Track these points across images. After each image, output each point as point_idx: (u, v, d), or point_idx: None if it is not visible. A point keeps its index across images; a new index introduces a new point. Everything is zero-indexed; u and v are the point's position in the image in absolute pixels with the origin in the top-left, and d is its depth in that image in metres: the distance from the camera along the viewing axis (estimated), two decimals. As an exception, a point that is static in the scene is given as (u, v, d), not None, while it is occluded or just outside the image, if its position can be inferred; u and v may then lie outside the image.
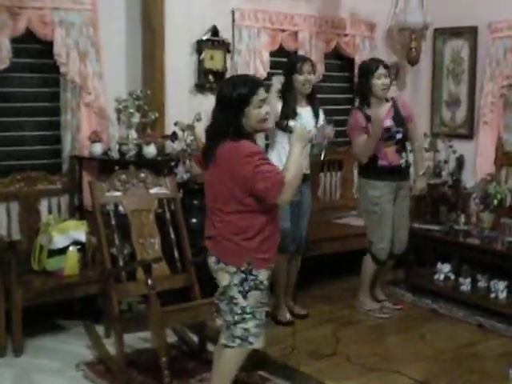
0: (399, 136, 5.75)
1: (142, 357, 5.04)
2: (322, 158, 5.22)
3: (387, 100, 5.85)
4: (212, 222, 3.76)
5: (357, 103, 5.99)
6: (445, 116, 7.97)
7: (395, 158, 5.77)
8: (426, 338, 5.50)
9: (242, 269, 3.63)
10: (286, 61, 6.26)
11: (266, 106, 3.67)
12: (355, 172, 6.68)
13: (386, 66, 5.80)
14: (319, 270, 6.66)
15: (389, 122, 5.74)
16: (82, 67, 5.98)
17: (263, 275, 3.69)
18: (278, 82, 5.57)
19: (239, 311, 3.67)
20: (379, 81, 5.70)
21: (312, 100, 5.71)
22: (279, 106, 5.52)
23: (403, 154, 5.81)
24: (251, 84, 3.65)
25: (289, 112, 5.42)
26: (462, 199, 7.09)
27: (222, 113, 3.62)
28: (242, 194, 3.56)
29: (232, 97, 3.57)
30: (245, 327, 3.68)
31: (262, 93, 3.63)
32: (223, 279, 3.71)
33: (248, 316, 3.67)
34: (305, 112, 5.59)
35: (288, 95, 5.54)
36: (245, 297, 3.65)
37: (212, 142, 3.68)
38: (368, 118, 5.68)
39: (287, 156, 3.68)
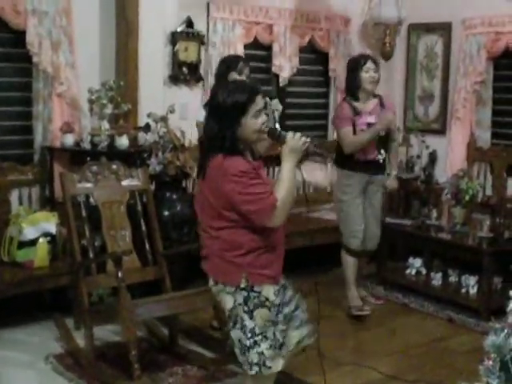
0: (382, 133, 5.76)
1: (111, 350, 4.99)
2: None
3: (375, 95, 5.87)
4: (203, 240, 3.51)
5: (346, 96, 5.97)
6: (418, 111, 8.01)
7: (373, 152, 5.77)
8: (396, 332, 5.52)
9: (242, 286, 3.33)
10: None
11: (263, 116, 3.34)
12: (329, 165, 6.67)
13: (374, 61, 5.85)
14: (290, 264, 6.65)
15: (373, 119, 5.75)
16: (55, 57, 5.92)
17: (267, 291, 3.37)
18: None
19: (249, 334, 3.35)
20: (367, 74, 5.73)
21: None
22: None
23: (381, 151, 5.82)
24: (249, 91, 3.32)
25: None
26: (434, 194, 7.12)
27: (216, 123, 3.29)
28: (228, 212, 3.27)
29: (227, 105, 3.25)
30: (259, 351, 3.35)
31: (259, 101, 3.31)
32: (226, 302, 3.41)
33: (258, 338, 3.34)
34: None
35: None
36: (251, 317, 3.34)
37: (204, 155, 3.38)
38: (355, 111, 5.71)
39: (279, 172, 3.37)
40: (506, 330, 2.44)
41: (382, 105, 5.87)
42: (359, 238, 5.87)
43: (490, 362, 2.42)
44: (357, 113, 5.71)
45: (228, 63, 5.42)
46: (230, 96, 3.28)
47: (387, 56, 7.81)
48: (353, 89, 5.81)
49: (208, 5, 6.70)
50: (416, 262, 6.59)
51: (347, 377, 4.71)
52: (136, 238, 5.13)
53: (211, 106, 3.40)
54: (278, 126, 5.02)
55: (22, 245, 5.32)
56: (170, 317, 4.98)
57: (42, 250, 5.34)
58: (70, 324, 5.30)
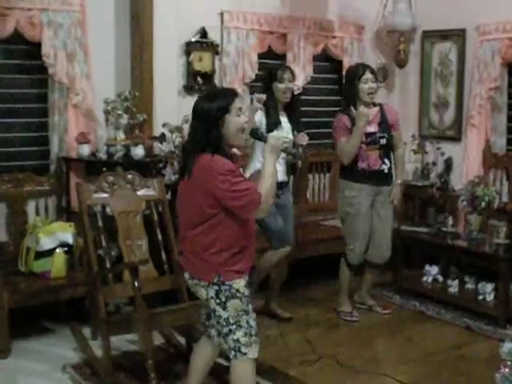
0: (383, 141, 5.73)
1: (128, 359, 5.01)
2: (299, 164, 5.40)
3: (374, 105, 5.84)
4: (182, 236, 3.76)
5: (342, 108, 5.94)
6: (433, 118, 7.99)
7: (377, 162, 5.74)
8: (413, 340, 5.51)
9: (214, 281, 3.60)
10: (264, 71, 6.14)
11: (244, 116, 3.67)
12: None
13: (372, 71, 5.80)
14: (306, 272, 6.67)
15: (374, 128, 5.73)
16: (70, 68, 5.97)
17: (237, 284, 3.63)
18: (258, 101, 5.46)
19: (224, 323, 3.65)
20: (366, 85, 5.69)
21: (290, 108, 5.67)
22: (261, 116, 5.47)
23: (386, 160, 5.77)
24: (228, 94, 3.66)
25: (272, 123, 5.43)
26: (450, 201, 7.10)
27: (202, 125, 3.54)
28: (210, 209, 3.53)
29: (212, 108, 3.53)
30: (234, 338, 3.65)
31: (238, 102, 3.62)
32: (201, 294, 3.72)
33: (233, 327, 3.64)
34: (283, 121, 5.57)
35: (269, 105, 5.49)
36: (224, 308, 3.62)
37: (189, 155, 3.60)
38: (353, 121, 5.66)
39: (261, 169, 3.68)
40: (522, 337, 2.43)
41: (382, 112, 5.85)
42: (358, 254, 5.88)
43: (507, 370, 2.42)
44: (354, 124, 5.66)
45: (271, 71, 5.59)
46: (213, 100, 3.57)
47: (402, 63, 7.82)
48: (351, 99, 5.78)
49: (222, 14, 6.72)
50: (432, 270, 6.57)
51: (363, 384, 4.71)
52: (152, 248, 5.15)
53: (196, 112, 3.61)
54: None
55: (39, 255, 5.34)
56: (187, 326, 4.98)
57: (59, 260, 5.36)
58: (87, 334, 5.33)
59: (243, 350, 3.65)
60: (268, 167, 3.62)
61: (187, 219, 3.67)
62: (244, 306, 3.65)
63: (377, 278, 6.30)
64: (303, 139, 5.46)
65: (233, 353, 3.67)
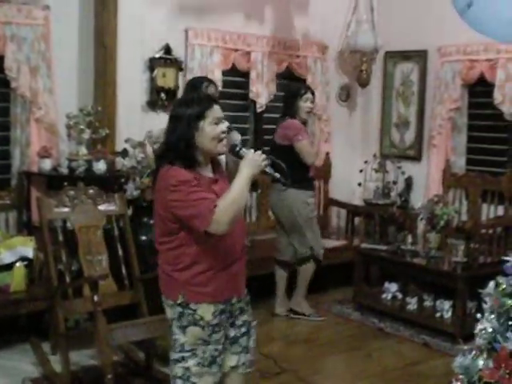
0: None
1: (87, 374, 4.98)
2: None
3: (305, 124, 6.29)
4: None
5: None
6: (394, 138, 8.10)
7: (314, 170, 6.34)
8: (372, 356, 5.56)
9: (178, 302, 3.33)
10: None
11: (222, 126, 3.36)
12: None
13: (312, 93, 6.25)
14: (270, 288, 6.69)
15: None
16: (33, 82, 5.97)
17: (204, 311, 3.32)
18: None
19: (178, 349, 3.35)
20: (305, 104, 6.11)
21: None
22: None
23: None
24: (206, 99, 3.44)
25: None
26: (409, 220, 7.18)
27: (174, 130, 3.33)
28: (171, 223, 3.29)
29: (186, 112, 3.31)
30: (185, 366, 3.34)
31: (217, 109, 3.37)
32: (167, 313, 3.45)
33: (187, 354, 3.33)
34: None
35: None
36: (183, 332, 3.33)
37: (156, 164, 3.49)
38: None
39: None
40: (473, 352, 2.47)
41: None
42: (322, 248, 6.34)
43: (458, 383, 2.46)
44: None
45: (195, 84, 5.53)
46: (188, 104, 3.36)
47: (364, 83, 7.91)
48: (290, 114, 6.16)
49: (186, 31, 6.76)
50: (392, 287, 6.63)
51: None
52: (113, 263, 5.14)
53: (172, 115, 3.41)
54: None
55: (-1, 269, 5.31)
56: (147, 341, 4.97)
57: (19, 274, 5.32)
58: (47, 348, 5.29)
59: (193, 379, 3.34)
60: (237, 181, 3.26)
61: (156, 232, 3.46)
62: (205, 335, 3.33)
63: None
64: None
65: (180, 382, 3.36)
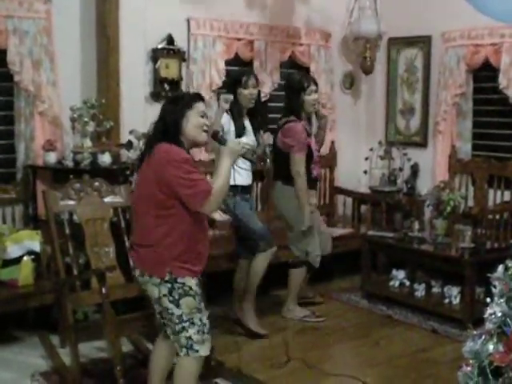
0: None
1: (97, 366, 4.99)
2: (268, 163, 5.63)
3: (316, 115, 6.09)
4: (134, 228, 3.84)
5: (285, 116, 5.97)
6: (399, 124, 8.08)
7: (318, 170, 6.17)
8: (380, 343, 5.56)
9: (166, 279, 3.64)
10: (229, 77, 6.38)
11: (206, 121, 3.78)
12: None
13: (315, 83, 5.97)
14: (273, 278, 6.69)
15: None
16: (36, 76, 5.96)
17: (190, 282, 3.68)
18: (225, 101, 5.50)
19: (177, 321, 3.68)
20: (310, 97, 5.84)
21: (253, 114, 5.74)
22: (228, 122, 5.54)
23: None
24: (194, 96, 3.88)
25: (240, 129, 5.53)
26: (416, 206, 7.17)
27: (165, 114, 3.74)
28: (165, 197, 3.60)
29: (178, 102, 3.76)
30: (187, 335, 3.69)
31: (202, 106, 3.78)
32: (153, 292, 3.73)
33: (186, 324, 3.68)
34: (247, 126, 5.66)
35: (234, 111, 5.57)
36: (177, 305, 3.66)
37: (149, 144, 3.78)
38: (307, 133, 5.86)
39: (217, 168, 3.77)
40: (483, 337, 2.47)
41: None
42: (319, 254, 6.04)
43: (469, 368, 2.46)
44: (308, 135, 5.88)
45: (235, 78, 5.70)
46: (179, 98, 3.86)
47: (368, 70, 7.88)
48: (295, 110, 5.86)
49: (188, 22, 6.74)
50: (399, 274, 6.62)
51: (331, 387, 4.74)
52: (120, 255, 5.14)
53: (164, 105, 3.85)
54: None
55: (6, 263, 5.30)
56: (154, 332, 4.96)
57: (27, 268, 5.32)
58: (56, 342, 5.30)
59: (195, 347, 3.69)
60: (222, 168, 3.69)
61: (141, 209, 3.71)
62: (197, 303, 3.69)
63: None
64: (269, 138, 5.79)
65: (184, 350, 3.71)
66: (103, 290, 4.43)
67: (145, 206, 3.67)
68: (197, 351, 3.70)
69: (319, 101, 6.19)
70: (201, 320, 3.71)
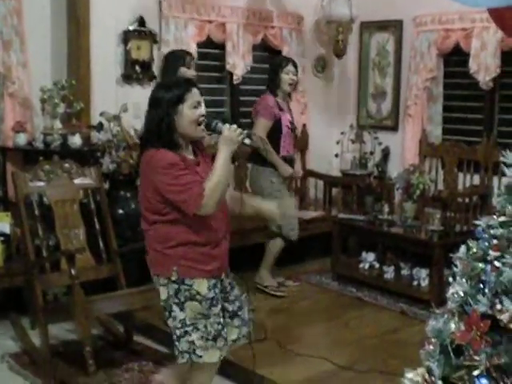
0: (296, 132, 6.41)
1: (67, 348, 5.01)
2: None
3: (289, 96, 6.34)
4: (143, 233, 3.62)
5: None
6: (371, 108, 8.12)
7: (291, 149, 6.24)
8: (350, 325, 5.62)
9: (173, 279, 3.40)
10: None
11: (201, 109, 3.44)
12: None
13: (295, 65, 6.21)
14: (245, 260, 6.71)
15: (290, 116, 6.23)
16: (6, 57, 5.91)
17: (199, 285, 3.42)
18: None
19: (179, 325, 3.42)
20: (287, 76, 6.10)
21: None
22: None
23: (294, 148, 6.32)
24: (185, 83, 3.52)
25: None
26: (386, 190, 7.21)
27: (155, 114, 3.41)
28: (159, 204, 3.38)
29: (166, 97, 3.39)
30: (189, 340, 3.42)
31: (196, 93, 3.44)
32: (161, 293, 3.47)
33: (189, 328, 3.41)
34: None
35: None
36: (182, 309, 3.41)
37: (141, 148, 3.55)
38: (279, 106, 6.08)
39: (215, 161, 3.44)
40: (445, 316, 2.50)
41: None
42: (295, 227, 6.25)
43: (431, 347, 2.49)
44: (280, 109, 6.09)
45: (176, 58, 5.71)
46: (167, 88, 3.45)
47: (340, 54, 7.88)
48: (273, 88, 6.14)
49: (160, 3, 6.70)
50: (369, 257, 6.68)
51: (301, 367, 4.76)
52: (90, 237, 5.14)
53: (151, 100, 3.48)
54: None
55: (-24, 245, 5.29)
56: (125, 314, 5.00)
57: (-4, 250, 5.32)
58: (26, 323, 5.29)
59: (198, 352, 3.42)
60: (219, 160, 3.38)
61: (143, 213, 3.52)
62: (203, 309, 3.42)
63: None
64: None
65: (186, 356, 3.44)
66: (72, 272, 4.44)
67: (144, 211, 3.50)
68: (200, 357, 3.43)
69: (296, 82, 6.33)
70: (206, 326, 3.42)
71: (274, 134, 6.01)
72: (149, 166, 3.38)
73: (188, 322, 3.42)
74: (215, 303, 3.47)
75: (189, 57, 5.74)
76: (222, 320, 3.50)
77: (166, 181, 3.32)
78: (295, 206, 6.64)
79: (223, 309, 3.56)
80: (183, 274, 3.41)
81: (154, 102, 3.46)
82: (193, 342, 3.42)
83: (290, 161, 6.20)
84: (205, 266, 3.45)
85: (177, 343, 3.46)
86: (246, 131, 3.45)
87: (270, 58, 7.51)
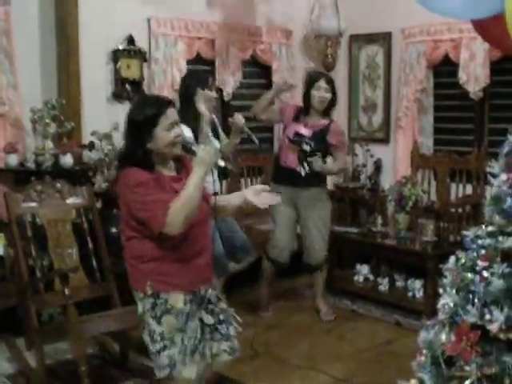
0: (306, 147, 5.83)
1: (63, 368, 4.99)
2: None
3: (325, 113, 5.97)
4: None
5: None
6: (362, 121, 8.14)
7: (293, 161, 5.87)
8: (345, 337, 5.64)
9: (149, 293, 3.40)
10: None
11: (177, 129, 3.41)
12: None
13: (328, 81, 5.93)
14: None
15: (306, 132, 5.87)
16: (-4, 78, 5.92)
17: (175, 300, 3.42)
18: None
19: (158, 338, 3.41)
20: (317, 92, 5.85)
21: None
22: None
23: (304, 164, 5.85)
24: (159, 104, 3.43)
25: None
26: (380, 202, 7.22)
27: (129, 136, 3.42)
28: (132, 221, 3.39)
29: (139, 119, 3.35)
30: (169, 354, 3.41)
31: (171, 114, 3.39)
32: (138, 307, 3.49)
33: (167, 342, 3.40)
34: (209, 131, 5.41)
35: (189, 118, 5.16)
36: (159, 322, 3.40)
37: (118, 167, 3.59)
38: (297, 117, 5.93)
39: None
40: (436, 327, 2.51)
41: (326, 127, 5.93)
42: (285, 251, 6.05)
43: (422, 358, 2.50)
44: (297, 120, 5.89)
45: (199, 79, 5.36)
46: (140, 110, 3.40)
47: (329, 67, 7.91)
48: (305, 104, 5.97)
49: (149, 21, 6.73)
50: (363, 269, 6.71)
51: (298, 380, 4.81)
52: (83, 256, 5.14)
53: (127, 121, 3.45)
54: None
55: (-31, 267, 5.29)
56: (120, 332, 4.99)
57: (-10, 271, 5.32)
58: (21, 344, 5.27)
59: (178, 367, 3.41)
60: (191, 179, 3.31)
61: (122, 229, 3.56)
62: (179, 323, 3.41)
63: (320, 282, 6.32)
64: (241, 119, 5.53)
65: (167, 370, 3.42)
66: (66, 291, 4.44)
67: (123, 226, 3.51)
68: (180, 372, 3.42)
69: (331, 99, 5.95)
70: (182, 341, 3.41)
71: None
72: (122, 184, 3.40)
73: (166, 336, 3.41)
74: (192, 318, 3.47)
75: (211, 78, 5.47)
76: (199, 335, 3.48)
77: (134, 199, 3.33)
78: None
79: (203, 322, 3.53)
80: (157, 288, 3.41)
81: (128, 122, 3.44)
82: (172, 357, 3.41)
83: (289, 173, 5.89)
84: (179, 280, 3.44)
85: (156, 357, 3.45)
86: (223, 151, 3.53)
87: (259, 74, 7.57)
